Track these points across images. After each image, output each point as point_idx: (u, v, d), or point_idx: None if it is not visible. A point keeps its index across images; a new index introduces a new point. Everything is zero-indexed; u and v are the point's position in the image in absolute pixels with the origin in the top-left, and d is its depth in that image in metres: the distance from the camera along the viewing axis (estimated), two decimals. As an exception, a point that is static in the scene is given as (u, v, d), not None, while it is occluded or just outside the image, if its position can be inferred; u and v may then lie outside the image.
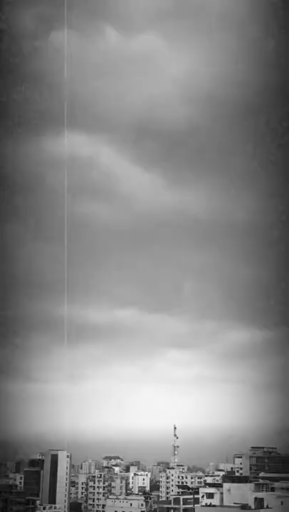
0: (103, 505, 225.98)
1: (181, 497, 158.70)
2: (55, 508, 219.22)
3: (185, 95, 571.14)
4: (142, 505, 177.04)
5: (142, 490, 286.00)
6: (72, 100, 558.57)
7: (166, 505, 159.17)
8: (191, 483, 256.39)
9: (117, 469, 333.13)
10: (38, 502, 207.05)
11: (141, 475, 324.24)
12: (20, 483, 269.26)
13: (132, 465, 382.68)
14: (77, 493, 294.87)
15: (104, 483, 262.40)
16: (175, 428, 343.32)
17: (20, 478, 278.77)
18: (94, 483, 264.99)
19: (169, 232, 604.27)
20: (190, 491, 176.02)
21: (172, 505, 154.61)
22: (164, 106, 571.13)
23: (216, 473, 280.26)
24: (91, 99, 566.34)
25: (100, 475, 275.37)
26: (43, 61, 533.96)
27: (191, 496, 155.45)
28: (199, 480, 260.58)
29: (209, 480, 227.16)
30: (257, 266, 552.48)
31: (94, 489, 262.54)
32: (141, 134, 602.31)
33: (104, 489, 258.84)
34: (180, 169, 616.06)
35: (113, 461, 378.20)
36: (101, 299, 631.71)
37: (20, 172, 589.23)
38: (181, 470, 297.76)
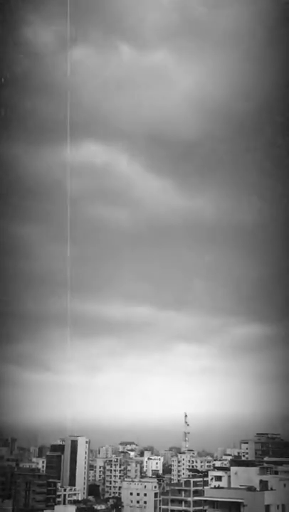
0: (119, 487, 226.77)
1: (192, 480, 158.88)
2: (74, 489, 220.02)
3: (194, 107, 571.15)
4: (155, 487, 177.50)
5: (156, 473, 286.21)
6: (89, 111, 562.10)
7: (177, 487, 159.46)
8: (201, 466, 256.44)
9: (132, 454, 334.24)
10: (59, 484, 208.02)
11: (154, 459, 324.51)
12: (43, 466, 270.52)
13: (146, 450, 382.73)
14: (95, 476, 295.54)
15: (120, 467, 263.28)
16: (186, 416, 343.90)
17: (43, 462, 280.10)
18: (111, 466, 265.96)
19: (180, 234, 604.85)
20: (200, 474, 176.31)
21: (183, 487, 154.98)
22: (175, 117, 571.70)
23: (224, 457, 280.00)
24: (106, 111, 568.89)
25: (117, 459, 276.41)
26: (60, 74, 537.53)
27: (201, 479, 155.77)
28: (208, 464, 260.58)
29: (218, 464, 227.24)
30: (262, 265, 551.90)
31: (111, 472, 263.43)
32: (153, 143, 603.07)
33: (120, 472, 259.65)
34: (189, 175, 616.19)
35: (128, 447, 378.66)
36: (116, 297, 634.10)
37: (39, 179, 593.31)
38: (191, 455, 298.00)
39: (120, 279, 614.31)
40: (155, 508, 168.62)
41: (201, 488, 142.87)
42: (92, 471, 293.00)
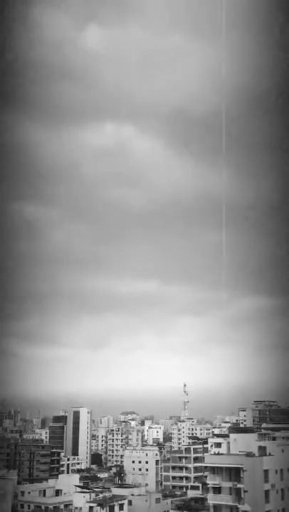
0: (121, 456, 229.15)
1: (192, 447, 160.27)
2: (78, 459, 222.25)
3: (212, 87, 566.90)
4: (156, 455, 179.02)
5: (156, 441, 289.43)
6: (105, 93, 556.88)
7: (178, 455, 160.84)
8: (200, 434, 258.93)
9: (133, 423, 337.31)
10: (62, 454, 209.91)
11: (155, 428, 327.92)
12: (46, 437, 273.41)
13: (147, 419, 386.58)
14: (97, 445, 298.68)
15: (121, 436, 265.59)
16: (185, 385, 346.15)
17: (46, 433, 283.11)
18: (112, 436, 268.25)
19: (193, 214, 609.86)
20: (199, 441, 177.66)
21: (184, 454, 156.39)
22: (191, 96, 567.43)
23: (223, 425, 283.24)
24: (125, 92, 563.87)
25: (118, 428, 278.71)
26: (77, 57, 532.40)
27: (201, 446, 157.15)
28: (208, 431, 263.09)
29: (217, 431, 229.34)
30: (267, 242, 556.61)
31: (113, 441, 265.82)
32: (169, 122, 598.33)
33: (122, 441, 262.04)
34: (205, 154, 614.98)
35: (129, 416, 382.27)
36: (126, 273, 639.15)
37: (59, 161, 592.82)
38: (191, 423, 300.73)
39: (133, 256, 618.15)
40: (157, 475, 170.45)
41: (201, 454, 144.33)
42: (94, 441, 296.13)
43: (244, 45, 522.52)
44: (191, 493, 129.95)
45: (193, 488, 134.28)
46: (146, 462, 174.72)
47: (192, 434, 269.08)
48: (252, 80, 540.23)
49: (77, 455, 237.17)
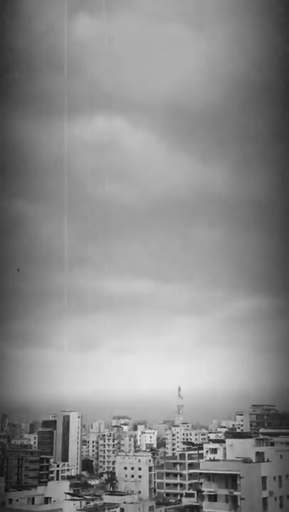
0: (113, 462, 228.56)
1: (187, 453, 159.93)
2: (68, 465, 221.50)
3: (207, 78, 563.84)
4: (149, 461, 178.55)
5: (150, 447, 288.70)
6: (97, 84, 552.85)
7: (172, 461, 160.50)
8: (196, 439, 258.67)
9: (125, 428, 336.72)
10: (51, 460, 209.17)
11: (148, 433, 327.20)
12: (35, 443, 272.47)
13: (140, 424, 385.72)
14: (88, 451, 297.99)
15: (113, 442, 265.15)
16: (179, 389, 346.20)
17: (35, 438, 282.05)
18: (104, 441, 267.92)
19: (189, 211, 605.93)
20: (194, 446, 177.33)
21: (178, 461, 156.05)
22: (185, 88, 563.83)
23: (219, 430, 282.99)
24: (117, 84, 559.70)
25: (110, 434, 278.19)
26: (62, 48, 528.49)
27: (196, 452, 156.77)
28: (203, 436, 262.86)
29: (212, 436, 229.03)
30: (266, 240, 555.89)
31: (104, 447, 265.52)
32: (162, 115, 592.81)
33: (113, 447, 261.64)
34: (200, 148, 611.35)
35: (122, 421, 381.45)
36: (117, 272, 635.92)
37: (45, 155, 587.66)
38: (185, 428, 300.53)
39: (123, 254, 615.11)
40: (150, 481, 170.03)
41: (196, 461, 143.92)
42: (85, 446, 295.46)
43: (242, 36, 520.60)
44: (186, 501, 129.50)
45: (187, 495, 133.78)
46: (139, 469, 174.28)
47: (187, 439, 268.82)
48: (250, 71, 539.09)
49: (67, 461, 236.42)
